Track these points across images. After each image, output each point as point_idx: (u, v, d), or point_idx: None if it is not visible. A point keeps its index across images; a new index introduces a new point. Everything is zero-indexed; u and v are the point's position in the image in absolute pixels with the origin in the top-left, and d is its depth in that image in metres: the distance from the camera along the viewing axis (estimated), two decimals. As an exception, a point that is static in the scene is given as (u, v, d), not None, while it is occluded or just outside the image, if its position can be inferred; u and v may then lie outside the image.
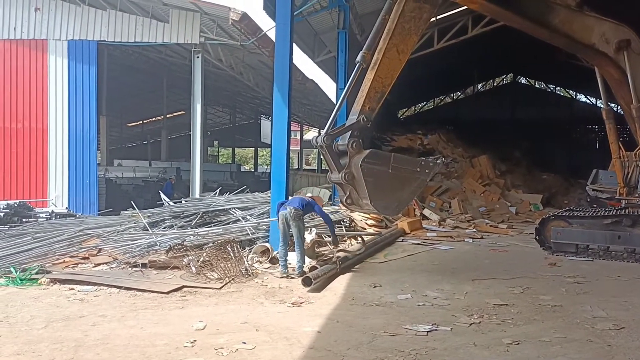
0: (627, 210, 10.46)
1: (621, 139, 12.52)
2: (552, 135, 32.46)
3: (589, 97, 36.30)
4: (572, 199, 20.33)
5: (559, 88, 38.51)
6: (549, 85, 38.54)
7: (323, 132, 7.38)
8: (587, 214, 10.82)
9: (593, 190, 13.20)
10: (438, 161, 7.81)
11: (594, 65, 11.54)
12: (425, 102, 39.97)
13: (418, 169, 7.45)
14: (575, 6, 9.75)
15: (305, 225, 8.93)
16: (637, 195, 11.24)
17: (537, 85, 38.93)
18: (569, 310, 6.62)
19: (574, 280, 8.34)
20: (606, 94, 11.97)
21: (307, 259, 8.87)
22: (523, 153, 26.07)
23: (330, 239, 9.08)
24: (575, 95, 37.94)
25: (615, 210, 10.58)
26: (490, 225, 15.05)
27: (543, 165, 24.42)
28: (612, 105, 13.47)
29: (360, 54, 7.62)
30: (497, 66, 34.66)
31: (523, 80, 39.16)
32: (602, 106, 12.54)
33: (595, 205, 12.53)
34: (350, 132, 7.28)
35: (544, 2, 9.51)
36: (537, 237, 11.17)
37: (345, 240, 11.22)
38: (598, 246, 10.26)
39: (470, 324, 6.00)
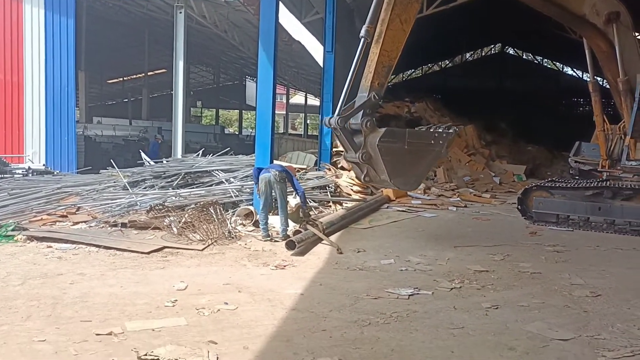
0: (608, 183, 10.57)
1: (606, 112, 12.58)
2: (538, 107, 32.55)
3: (575, 70, 36.39)
4: (555, 170, 20.53)
5: (546, 60, 38.51)
6: (536, 57, 38.49)
7: (335, 113, 7.36)
8: (568, 185, 10.91)
9: (575, 162, 13.32)
10: (450, 130, 7.77)
11: (582, 37, 11.50)
12: (413, 70, 39.73)
13: (432, 142, 7.53)
14: None
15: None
16: (619, 167, 11.35)
17: (524, 57, 38.87)
18: (547, 278, 6.71)
19: (554, 249, 8.45)
20: (593, 67, 11.99)
21: (291, 223, 8.84)
22: (509, 124, 26.13)
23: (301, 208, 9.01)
24: (562, 68, 38.00)
25: (596, 182, 10.70)
26: (474, 195, 15.15)
27: (528, 136, 24.51)
28: (598, 78, 13.47)
29: (364, 28, 7.51)
30: (486, 36, 34.44)
31: (511, 51, 39.04)
32: (589, 79, 12.54)
33: (577, 177, 12.63)
34: (362, 111, 7.28)
35: None
36: (519, 206, 11.26)
37: (330, 206, 11.21)
38: (578, 217, 10.39)
39: (451, 289, 6.06)
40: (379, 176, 7.42)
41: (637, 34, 10.98)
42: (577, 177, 12.67)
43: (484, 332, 4.74)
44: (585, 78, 26.86)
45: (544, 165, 21.69)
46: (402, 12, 7.61)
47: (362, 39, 7.51)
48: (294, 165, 9.41)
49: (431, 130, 7.82)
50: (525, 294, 5.99)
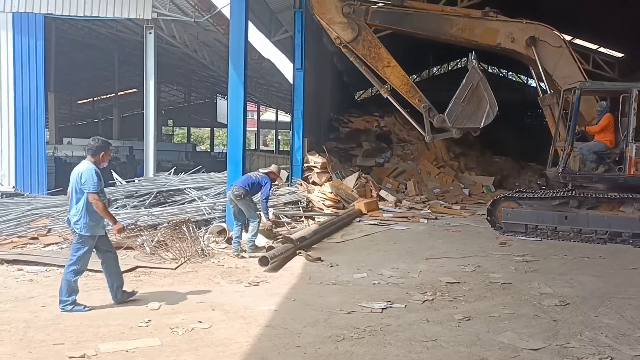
0: (573, 192, 10.86)
1: None
2: (504, 119, 33.09)
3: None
4: (523, 181, 20.88)
5: (510, 73, 39.36)
6: (501, 70, 39.32)
7: (428, 136, 11.23)
8: (536, 196, 11.16)
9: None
10: (472, 59, 10.97)
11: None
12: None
13: (472, 82, 10.64)
14: (481, 15, 11.52)
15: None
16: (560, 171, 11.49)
17: (490, 70, 39.68)
18: (517, 288, 6.86)
19: (523, 259, 8.63)
20: (538, 83, 12.46)
21: (264, 239, 8.88)
22: (476, 136, 26.54)
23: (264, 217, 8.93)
24: (527, 81, 38.87)
25: (562, 192, 10.97)
26: (445, 207, 15.33)
27: (495, 148, 24.89)
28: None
29: (382, 92, 11.33)
30: (452, 50, 35.03)
31: (477, 64, 39.77)
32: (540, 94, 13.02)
33: (544, 187, 12.93)
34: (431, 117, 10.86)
35: (439, 16, 11.62)
36: (488, 217, 11.46)
37: (302, 221, 11.26)
38: (546, 226, 10.62)
39: (424, 301, 6.15)
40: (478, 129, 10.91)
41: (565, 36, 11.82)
42: (544, 187, 12.98)
43: (457, 343, 4.83)
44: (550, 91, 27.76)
45: (511, 176, 22.05)
46: (383, 61, 10.99)
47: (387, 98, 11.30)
48: (274, 169, 9.20)
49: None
50: (496, 304, 6.12)
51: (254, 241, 8.49)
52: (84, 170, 5.63)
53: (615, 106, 10.71)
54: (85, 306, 5.54)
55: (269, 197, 8.70)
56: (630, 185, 10.48)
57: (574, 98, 10.67)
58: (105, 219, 5.73)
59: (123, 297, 5.82)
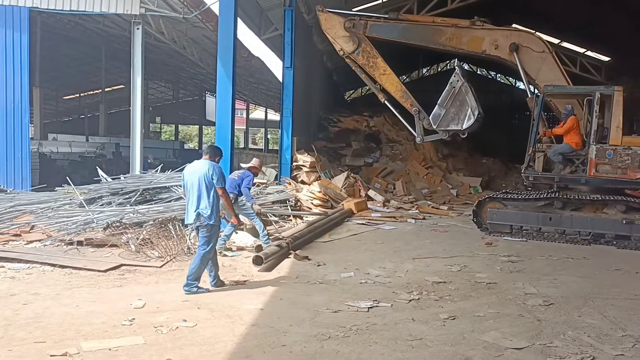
0: (558, 194, 10.94)
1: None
2: (493, 121, 33.25)
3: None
4: (510, 182, 21.00)
5: (499, 75, 39.61)
6: (490, 72, 39.56)
7: (418, 137, 12.53)
8: (521, 197, 11.23)
9: None
10: (455, 66, 12.61)
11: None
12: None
13: (455, 87, 11.35)
14: (468, 24, 12.16)
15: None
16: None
17: (479, 72, 39.89)
18: (502, 288, 6.90)
19: (509, 259, 8.68)
20: (529, 85, 12.63)
21: (251, 238, 8.86)
22: (465, 137, 26.64)
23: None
24: (515, 83, 39.13)
25: (547, 194, 11.06)
26: (432, 207, 15.38)
27: (483, 149, 24.99)
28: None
29: (380, 97, 12.84)
30: (441, 53, 35.15)
31: (466, 66, 39.94)
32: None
33: (530, 188, 13.00)
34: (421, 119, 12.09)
35: (429, 27, 12.54)
36: (474, 218, 11.51)
37: (290, 220, 11.23)
38: (531, 227, 10.69)
39: (410, 300, 6.16)
40: (465, 131, 11.69)
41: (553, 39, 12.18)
42: (529, 189, 13.05)
43: (442, 342, 4.85)
44: (538, 93, 27.93)
45: (499, 178, 22.17)
46: (379, 69, 12.43)
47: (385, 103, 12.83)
48: (255, 163, 9.03)
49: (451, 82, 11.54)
50: (482, 304, 6.15)
51: (268, 236, 8.50)
52: (213, 167, 6.33)
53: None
54: (207, 289, 6.30)
55: (250, 187, 8.61)
56: (591, 185, 10.70)
57: (539, 102, 11.02)
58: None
59: (218, 284, 6.47)
